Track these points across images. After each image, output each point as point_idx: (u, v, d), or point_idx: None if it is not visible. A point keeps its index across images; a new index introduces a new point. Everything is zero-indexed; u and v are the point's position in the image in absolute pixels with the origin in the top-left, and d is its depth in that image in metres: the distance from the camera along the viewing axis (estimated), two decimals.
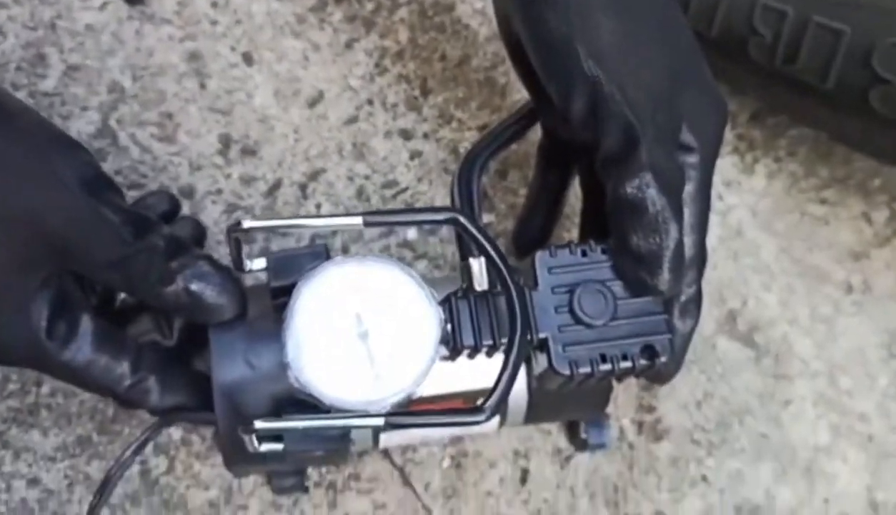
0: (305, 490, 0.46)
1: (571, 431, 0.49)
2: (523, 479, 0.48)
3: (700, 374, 0.51)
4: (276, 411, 0.38)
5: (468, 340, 0.37)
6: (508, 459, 0.49)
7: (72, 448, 0.46)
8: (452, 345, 0.37)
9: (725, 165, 0.55)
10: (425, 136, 0.54)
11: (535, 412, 0.42)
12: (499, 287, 0.37)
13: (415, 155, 0.53)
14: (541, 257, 0.38)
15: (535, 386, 0.40)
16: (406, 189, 0.53)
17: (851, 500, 0.49)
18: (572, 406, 0.43)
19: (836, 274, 0.53)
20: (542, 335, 0.37)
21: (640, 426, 0.50)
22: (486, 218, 0.52)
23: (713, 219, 0.53)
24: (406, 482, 0.48)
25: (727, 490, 0.49)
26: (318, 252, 0.39)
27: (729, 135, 0.55)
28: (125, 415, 0.47)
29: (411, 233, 0.51)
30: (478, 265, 0.38)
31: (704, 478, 0.49)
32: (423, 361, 0.36)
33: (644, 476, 0.49)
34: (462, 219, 0.36)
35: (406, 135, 0.54)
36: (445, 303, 0.37)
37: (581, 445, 0.48)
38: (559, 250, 0.38)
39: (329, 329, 0.36)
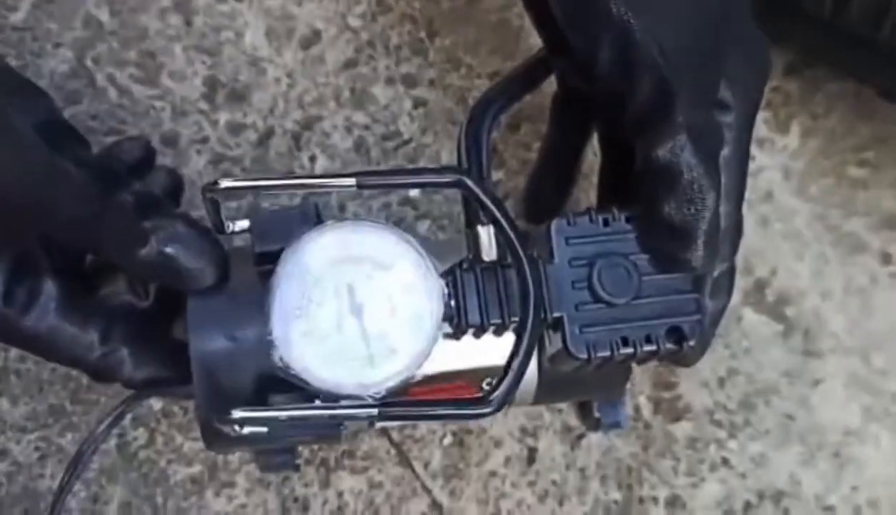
0: (296, 468, 0.43)
1: (583, 409, 0.45)
2: (531, 459, 0.45)
3: (724, 349, 0.47)
4: (261, 389, 0.34)
5: (474, 318, 0.33)
6: (515, 437, 0.45)
7: (43, 418, 0.43)
8: (456, 323, 0.33)
9: (758, 121, 0.50)
10: (431, 83, 0.49)
11: (546, 394, 0.38)
12: (509, 259, 0.33)
13: (419, 104, 0.49)
14: (557, 225, 0.34)
15: (547, 367, 0.36)
16: (409, 141, 0.48)
17: (882, 487, 0.46)
18: (587, 387, 0.39)
19: (874, 243, 0.49)
20: (556, 314, 0.33)
21: (657, 404, 0.46)
22: (495, 175, 0.48)
23: None
24: (404, 460, 0.44)
25: (749, 474, 0.45)
26: (308, 213, 0.35)
27: None
28: (101, 384, 0.43)
29: (414, 191, 0.47)
30: (486, 233, 0.34)
31: (725, 461, 0.46)
32: (422, 342, 0.32)
33: (660, 457, 0.45)
34: (469, 182, 0.32)
35: (410, 81, 0.49)
36: (449, 275, 0.34)
37: (593, 425, 0.44)
38: (578, 217, 0.34)
39: (318, 304, 0.32)
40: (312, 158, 0.47)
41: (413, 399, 0.30)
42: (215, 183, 0.32)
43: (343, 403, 0.31)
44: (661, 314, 0.33)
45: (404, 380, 0.32)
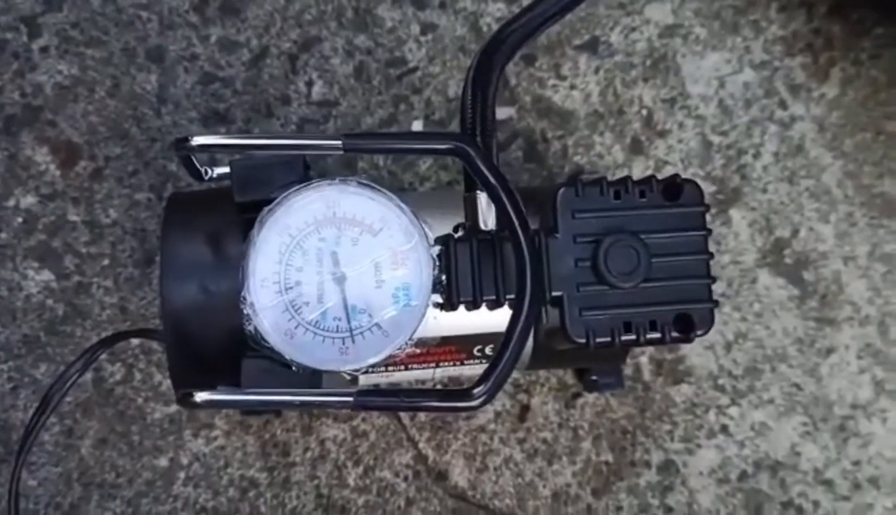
0: (278, 413, 0.41)
1: (581, 369, 0.43)
2: (522, 416, 0.43)
3: (734, 311, 0.45)
4: (235, 347, 0.32)
5: (466, 293, 0.31)
6: (507, 392, 0.43)
7: (16, 348, 0.41)
8: (447, 296, 0.31)
9: (794, 66, 0.46)
10: (441, 5, 0.45)
11: (541, 362, 0.36)
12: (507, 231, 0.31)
13: (427, 29, 0.45)
14: (564, 195, 0.31)
15: (543, 341, 0.34)
16: (414, 70, 0.44)
17: (885, 465, 0.44)
18: (585, 359, 0.37)
19: None
20: (556, 293, 0.31)
21: (658, 365, 0.44)
22: (506, 112, 0.44)
23: (771, 130, 0.46)
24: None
25: (748, 443, 0.44)
26: (294, 165, 0.32)
27: (803, 28, 0.46)
28: (77, 316, 0.41)
29: (416, 125, 0.44)
30: (485, 200, 0.31)
31: (724, 429, 0.44)
32: (409, 319, 0.30)
33: (657, 421, 0.44)
34: (472, 152, 0.28)
35: (418, 2, 0.45)
36: (442, 244, 0.31)
37: (591, 385, 0.42)
38: (588, 188, 0.31)
39: (298, 269, 0.30)
40: (309, 83, 0.44)
41: (395, 389, 0.28)
42: (186, 139, 0.29)
43: (317, 390, 0.29)
44: (669, 300, 0.31)
45: (387, 358, 0.30)
